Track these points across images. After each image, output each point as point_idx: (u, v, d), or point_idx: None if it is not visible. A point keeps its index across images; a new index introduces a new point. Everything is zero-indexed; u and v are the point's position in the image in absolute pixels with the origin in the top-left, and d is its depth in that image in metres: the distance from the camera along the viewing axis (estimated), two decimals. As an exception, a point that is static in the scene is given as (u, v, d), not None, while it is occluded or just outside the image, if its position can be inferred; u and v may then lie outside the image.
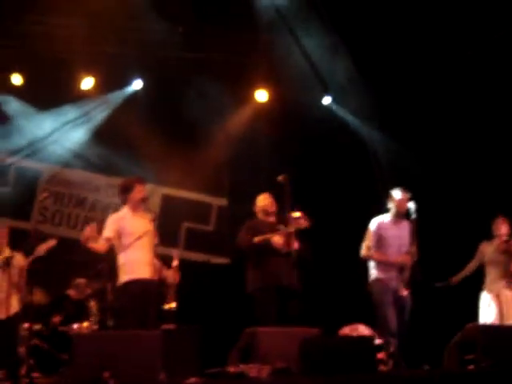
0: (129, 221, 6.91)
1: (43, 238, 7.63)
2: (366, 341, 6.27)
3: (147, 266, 6.73)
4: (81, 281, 8.83)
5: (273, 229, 7.45)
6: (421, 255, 7.66)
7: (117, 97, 10.44)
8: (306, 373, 5.70)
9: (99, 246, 6.79)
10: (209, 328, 8.71)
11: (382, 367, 7.05)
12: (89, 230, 6.68)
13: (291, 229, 7.24)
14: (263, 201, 7.71)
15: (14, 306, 7.75)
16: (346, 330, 8.07)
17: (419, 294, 7.85)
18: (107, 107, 10.41)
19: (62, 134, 10.24)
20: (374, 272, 7.71)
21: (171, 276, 7.01)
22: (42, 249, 7.40)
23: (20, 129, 10.07)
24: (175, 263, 7.11)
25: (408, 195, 7.68)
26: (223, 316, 9.53)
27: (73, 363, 5.81)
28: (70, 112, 10.19)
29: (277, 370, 5.88)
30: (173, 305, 6.86)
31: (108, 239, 6.83)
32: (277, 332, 6.46)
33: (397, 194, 7.72)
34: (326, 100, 10.81)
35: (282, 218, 7.42)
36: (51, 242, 7.35)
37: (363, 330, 8.03)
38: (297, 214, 7.26)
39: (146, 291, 6.69)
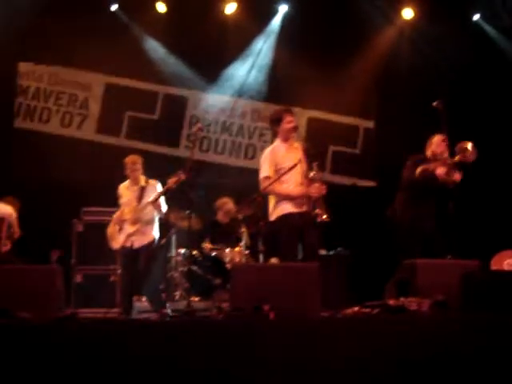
0: (281, 153, 6.86)
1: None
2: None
3: (299, 198, 6.66)
4: (229, 205, 8.94)
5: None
6: None
7: (273, 26, 10.36)
8: (466, 308, 5.54)
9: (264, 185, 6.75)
10: (356, 254, 8.67)
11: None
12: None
13: (456, 159, 6.93)
14: (437, 146, 7.26)
15: (151, 235, 8.04)
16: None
17: None
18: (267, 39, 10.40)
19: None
20: None
21: (314, 190, 6.77)
22: (172, 181, 7.48)
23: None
24: (311, 174, 6.86)
25: None
26: (369, 242, 9.43)
27: (231, 294, 5.91)
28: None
29: (437, 303, 5.73)
30: (324, 217, 6.64)
31: (268, 178, 6.77)
32: (436, 264, 6.28)
33: None
34: (476, 17, 10.38)
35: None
36: (181, 176, 7.37)
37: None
38: (465, 145, 6.91)
39: (298, 224, 6.63)
